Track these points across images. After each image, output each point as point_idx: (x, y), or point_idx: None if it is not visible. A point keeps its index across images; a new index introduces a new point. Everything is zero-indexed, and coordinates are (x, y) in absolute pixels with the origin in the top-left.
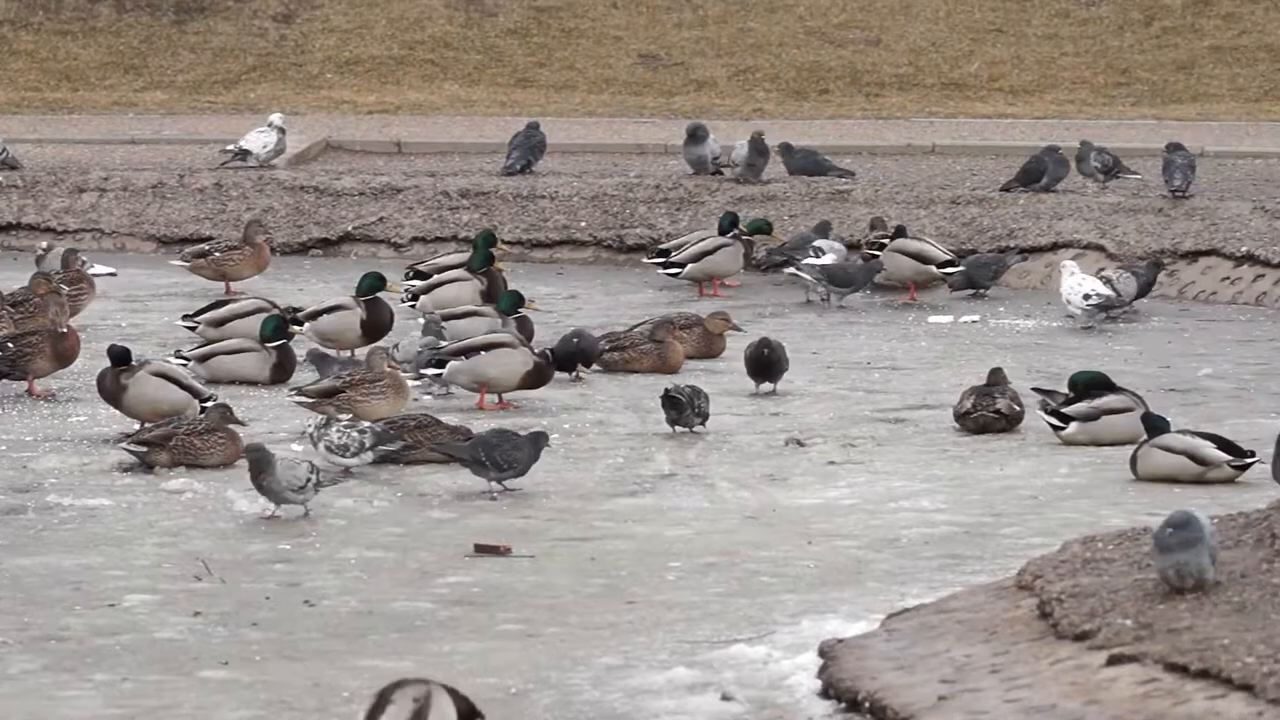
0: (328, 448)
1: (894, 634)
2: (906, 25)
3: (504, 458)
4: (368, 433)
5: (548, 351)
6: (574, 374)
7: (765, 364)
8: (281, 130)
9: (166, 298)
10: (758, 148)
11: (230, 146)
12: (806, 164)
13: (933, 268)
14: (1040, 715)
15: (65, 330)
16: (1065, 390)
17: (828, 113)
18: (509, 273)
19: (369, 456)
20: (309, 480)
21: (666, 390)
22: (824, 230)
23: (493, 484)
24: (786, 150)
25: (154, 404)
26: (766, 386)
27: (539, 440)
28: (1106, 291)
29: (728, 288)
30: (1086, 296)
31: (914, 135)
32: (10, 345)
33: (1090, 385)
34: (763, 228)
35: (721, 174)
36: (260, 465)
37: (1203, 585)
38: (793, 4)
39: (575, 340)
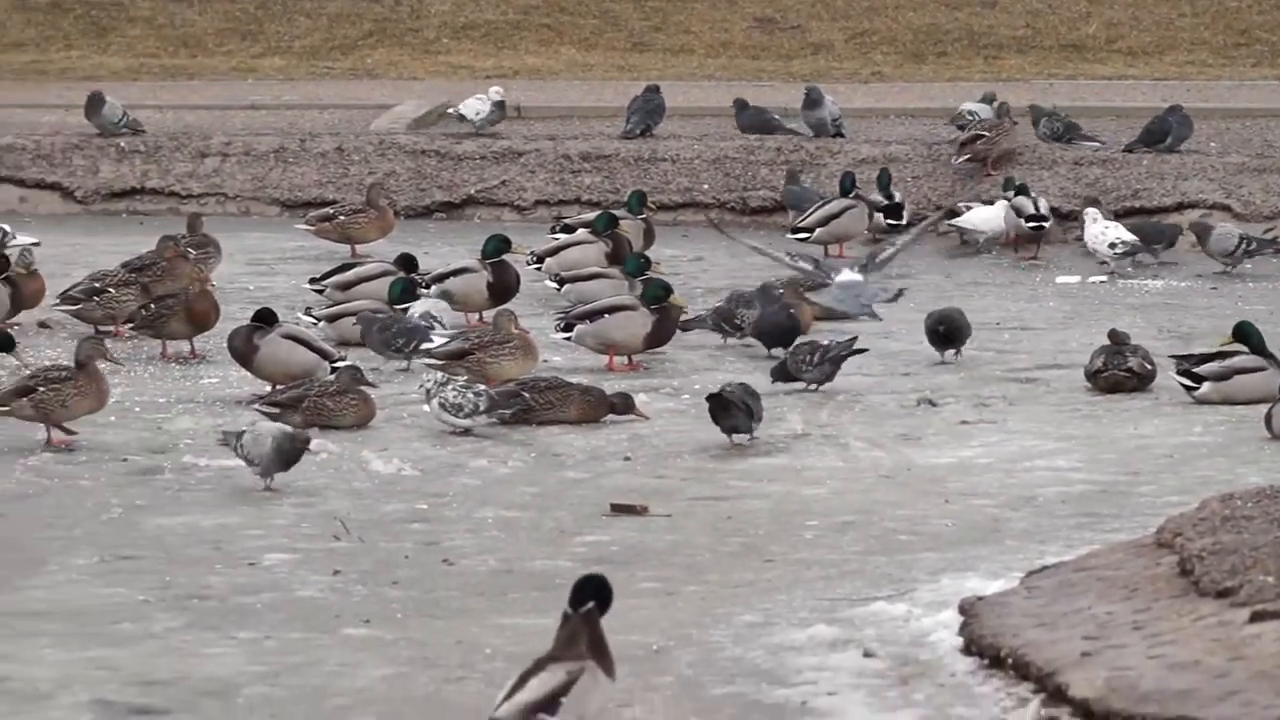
0: (442, 405)
1: (1034, 591)
2: None
3: (759, 410)
4: (483, 396)
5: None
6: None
7: (950, 334)
8: (499, 104)
9: (292, 261)
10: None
11: (450, 110)
12: (756, 122)
13: (1021, 221)
14: (1184, 671)
15: (206, 291)
16: (1204, 350)
17: (946, 75)
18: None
19: (482, 420)
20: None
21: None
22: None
23: (734, 438)
24: (740, 107)
25: (285, 366)
26: (950, 354)
27: None
28: (1130, 238)
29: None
30: (1112, 245)
31: (1033, 97)
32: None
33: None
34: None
35: (842, 136)
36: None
37: None
38: None
39: (790, 313)
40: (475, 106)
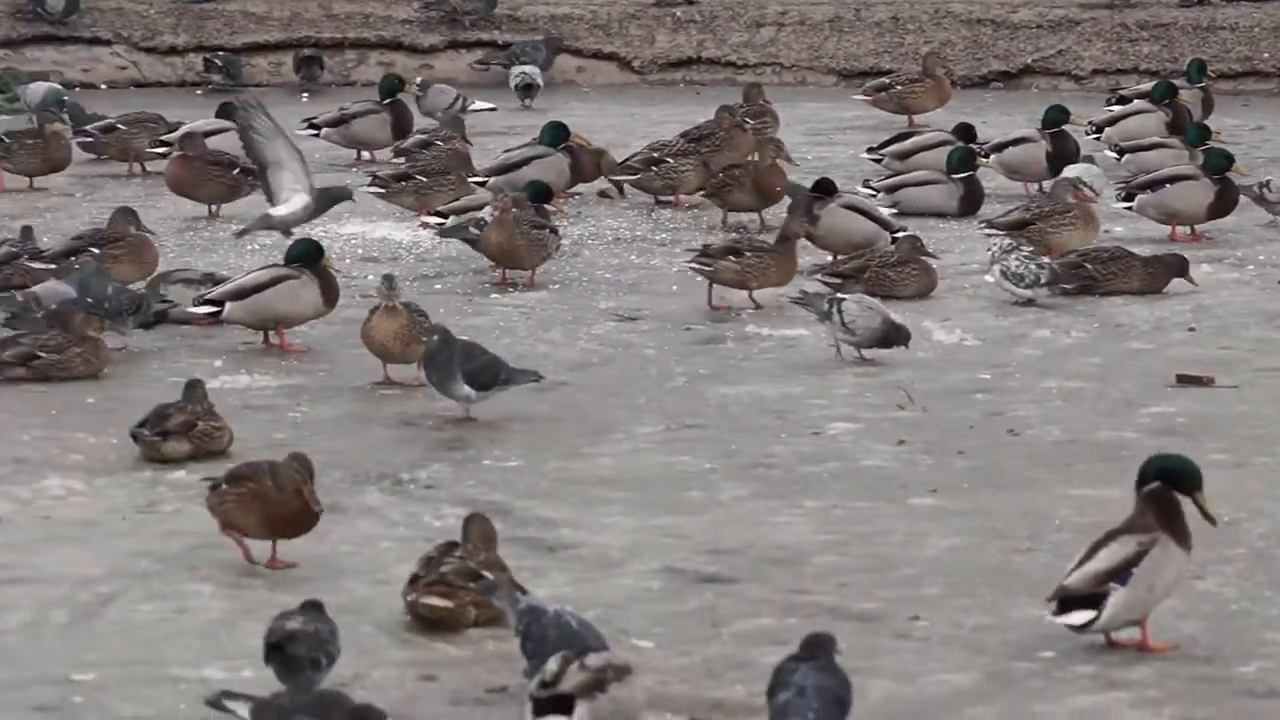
0: (1003, 272)
1: None
2: None
3: None
4: (1046, 268)
5: None
6: None
7: None
8: None
9: (850, 131)
10: None
11: None
12: None
13: None
14: None
15: (776, 165)
16: None
17: None
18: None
19: (1043, 293)
20: None
21: None
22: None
23: None
24: None
25: (845, 236)
26: None
27: None
28: None
29: None
30: None
31: None
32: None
33: None
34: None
35: None
36: None
37: None
38: None
39: None
40: None
